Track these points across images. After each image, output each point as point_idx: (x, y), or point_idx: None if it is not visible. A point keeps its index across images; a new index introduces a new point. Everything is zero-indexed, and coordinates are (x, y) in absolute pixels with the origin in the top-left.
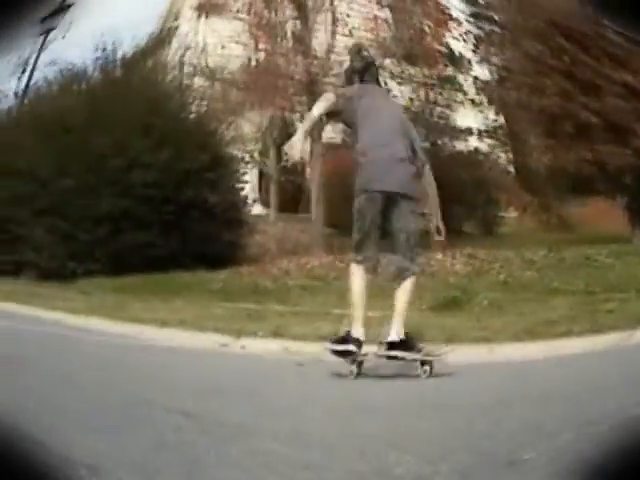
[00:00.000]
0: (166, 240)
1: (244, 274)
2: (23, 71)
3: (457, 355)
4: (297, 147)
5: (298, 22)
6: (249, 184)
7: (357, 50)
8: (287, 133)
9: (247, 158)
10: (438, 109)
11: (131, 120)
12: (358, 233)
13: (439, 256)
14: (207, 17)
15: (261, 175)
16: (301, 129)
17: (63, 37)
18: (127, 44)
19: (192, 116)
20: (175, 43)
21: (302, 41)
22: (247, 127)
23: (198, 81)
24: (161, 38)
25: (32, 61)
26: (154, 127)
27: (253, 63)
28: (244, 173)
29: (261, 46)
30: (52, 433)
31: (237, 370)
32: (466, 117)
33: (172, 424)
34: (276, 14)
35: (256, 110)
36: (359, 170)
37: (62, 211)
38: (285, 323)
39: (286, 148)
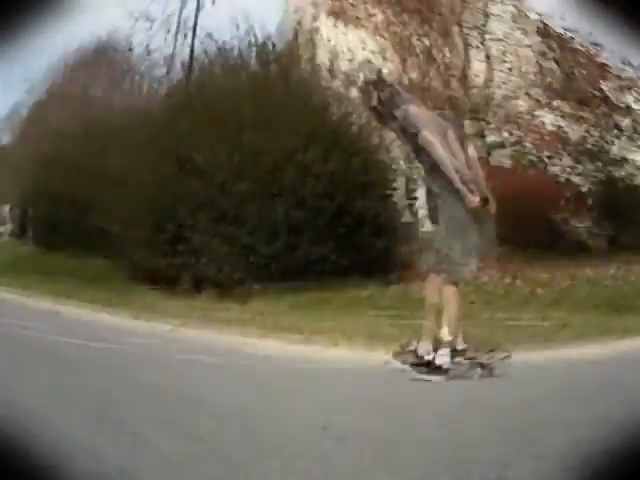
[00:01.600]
0: (339, 255)
1: (414, 289)
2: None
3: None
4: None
5: (447, 50)
6: (419, 200)
7: (379, 78)
8: None
9: (415, 176)
10: (614, 148)
11: (297, 125)
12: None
13: None
14: (345, 26)
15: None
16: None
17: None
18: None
19: (354, 128)
20: (321, 48)
21: (455, 68)
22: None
23: (353, 92)
24: (306, 39)
25: (191, 25)
26: (319, 136)
27: (405, 81)
28: (414, 190)
29: (408, 67)
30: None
31: (396, 387)
32: None
33: (324, 447)
34: (419, 40)
35: None
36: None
37: (240, 220)
38: None
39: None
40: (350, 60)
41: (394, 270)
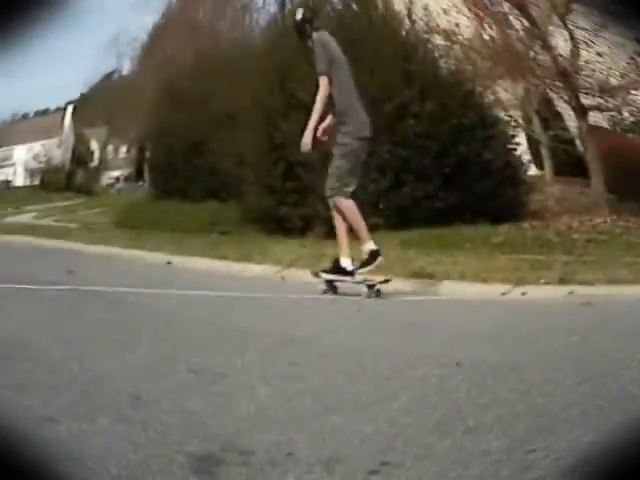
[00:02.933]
0: (447, 193)
1: (526, 228)
2: None
3: None
4: (306, 140)
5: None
6: (521, 147)
7: (305, 3)
8: (549, 107)
9: (512, 123)
10: None
11: (389, 63)
12: (350, 172)
13: None
14: None
15: (529, 140)
16: (310, 123)
17: None
18: None
19: (444, 72)
20: None
21: (538, 37)
22: (503, 93)
23: (435, 39)
24: None
25: None
26: (412, 75)
27: (486, 37)
28: (514, 135)
29: (485, 25)
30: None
31: (513, 317)
32: None
33: (439, 376)
34: (490, 3)
35: (507, 80)
36: (350, 119)
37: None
38: (571, 271)
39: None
40: (425, 9)
41: (503, 209)
